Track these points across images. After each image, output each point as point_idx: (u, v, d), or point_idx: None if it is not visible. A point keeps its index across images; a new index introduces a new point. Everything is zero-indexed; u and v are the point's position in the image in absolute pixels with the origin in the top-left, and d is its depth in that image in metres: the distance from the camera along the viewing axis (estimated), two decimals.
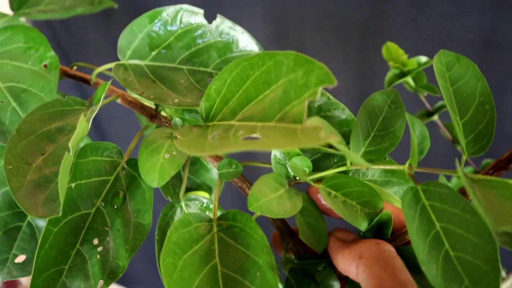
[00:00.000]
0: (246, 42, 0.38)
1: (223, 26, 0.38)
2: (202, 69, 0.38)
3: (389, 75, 0.42)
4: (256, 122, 0.25)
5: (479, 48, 0.64)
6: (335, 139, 0.19)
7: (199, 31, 0.38)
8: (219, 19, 0.38)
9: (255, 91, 0.26)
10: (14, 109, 0.38)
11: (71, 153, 0.27)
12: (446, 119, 0.49)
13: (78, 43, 0.90)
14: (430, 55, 0.41)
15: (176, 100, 0.35)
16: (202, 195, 0.37)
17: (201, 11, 0.39)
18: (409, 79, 0.42)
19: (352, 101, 0.76)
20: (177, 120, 0.33)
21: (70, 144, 0.27)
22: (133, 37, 0.39)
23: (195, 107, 0.34)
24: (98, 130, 1.02)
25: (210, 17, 0.37)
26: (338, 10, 0.66)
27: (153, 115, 0.36)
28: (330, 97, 0.33)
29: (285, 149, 0.20)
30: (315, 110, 0.34)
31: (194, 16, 0.38)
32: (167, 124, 0.35)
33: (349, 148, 0.29)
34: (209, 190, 0.43)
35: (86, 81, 0.43)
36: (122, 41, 0.39)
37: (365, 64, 0.71)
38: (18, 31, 0.42)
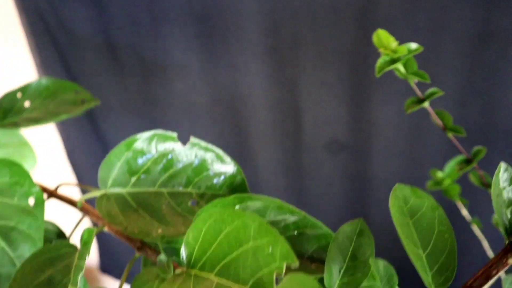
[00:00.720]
0: (221, 162, 0.40)
1: (196, 147, 0.40)
2: (181, 189, 0.40)
3: (380, 61, 0.40)
4: (232, 283, 0.26)
5: (473, 39, 0.64)
6: None
7: (174, 154, 0.40)
8: (192, 140, 0.40)
9: (229, 247, 0.28)
10: (4, 249, 0.39)
11: None
12: (437, 106, 0.48)
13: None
14: (425, 46, 0.41)
15: (160, 231, 0.36)
16: None
17: (174, 134, 0.40)
18: (399, 66, 0.41)
19: (346, 94, 0.75)
20: (162, 257, 0.35)
21: None
22: (113, 166, 0.40)
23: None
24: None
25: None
26: (332, 2, 0.66)
27: (139, 247, 0.38)
28: (306, 216, 0.35)
29: None
30: (292, 227, 0.36)
31: (168, 141, 0.40)
32: (153, 257, 0.37)
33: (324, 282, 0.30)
34: None
35: (73, 203, 0.44)
36: (102, 172, 0.40)
37: (358, 56, 0.70)
38: (4, 165, 0.43)
